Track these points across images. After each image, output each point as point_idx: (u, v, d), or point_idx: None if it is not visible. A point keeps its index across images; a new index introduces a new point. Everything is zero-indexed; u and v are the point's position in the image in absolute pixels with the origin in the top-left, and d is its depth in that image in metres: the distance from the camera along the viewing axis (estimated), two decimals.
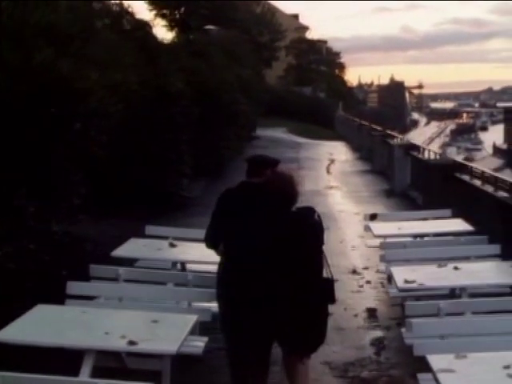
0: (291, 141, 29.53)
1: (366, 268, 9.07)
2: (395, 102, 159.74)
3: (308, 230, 4.44)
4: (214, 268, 5.28)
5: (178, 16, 41.85)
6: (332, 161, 22.35)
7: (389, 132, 18.18)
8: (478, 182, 9.02)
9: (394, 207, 13.63)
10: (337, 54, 63.78)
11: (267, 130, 30.92)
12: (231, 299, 4.42)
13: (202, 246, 6.85)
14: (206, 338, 5.09)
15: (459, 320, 4.88)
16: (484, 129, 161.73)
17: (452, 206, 9.32)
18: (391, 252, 6.90)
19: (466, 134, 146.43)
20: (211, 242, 4.80)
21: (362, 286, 8.41)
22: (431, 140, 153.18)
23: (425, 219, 8.53)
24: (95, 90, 6.33)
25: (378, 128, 20.55)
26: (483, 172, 8.77)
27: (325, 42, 60.94)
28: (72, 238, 8.52)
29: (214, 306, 5.32)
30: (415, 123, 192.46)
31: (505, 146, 78.53)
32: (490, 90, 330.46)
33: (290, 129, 33.60)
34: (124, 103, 7.46)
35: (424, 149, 13.33)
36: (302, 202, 4.61)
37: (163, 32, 42.43)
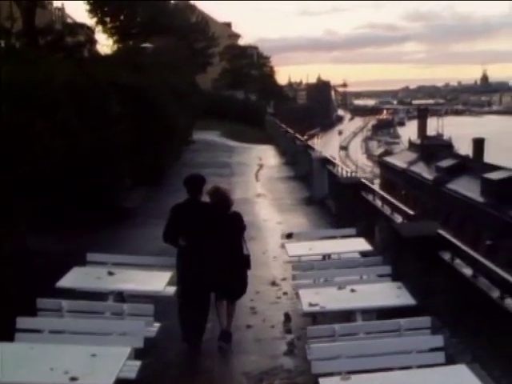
0: (224, 144, 29.96)
1: (284, 279, 9.49)
2: (322, 100, 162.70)
3: (237, 226, 7.18)
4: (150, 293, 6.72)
5: (117, 23, 41.53)
6: (261, 166, 22.86)
7: (309, 144, 18.83)
8: (379, 203, 9.70)
9: (313, 215, 14.31)
10: (267, 58, 64.63)
11: (203, 133, 31.19)
12: (187, 269, 6.84)
13: (140, 272, 7.34)
14: (139, 363, 5.52)
15: (351, 343, 5.49)
16: (402, 124, 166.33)
17: (359, 222, 10.08)
18: (301, 274, 7.52)
19: (385, 128, 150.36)
20: (169, 240, 7.08)
21: (279, 298, 8.91)
22: (355, 134, 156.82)
23: (333, 237, 9.20)
24: (40, 136, 6.60)
25: (301, 138, 21.17)
26: (383, 196, 9.44)
27: (255, 47, 61.70)
28: (19, 253, 8.70)
29: (147, 332, 5.84)
30: (340, 119, 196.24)
31: (419, 141, 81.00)
32: (406, 89, 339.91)
33: (224, 132, 33.94)
34: (66, 141, 7.75)
35: (337, 165, 14.03)
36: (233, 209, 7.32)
37: (104, 38, 42.25)
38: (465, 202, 54.06)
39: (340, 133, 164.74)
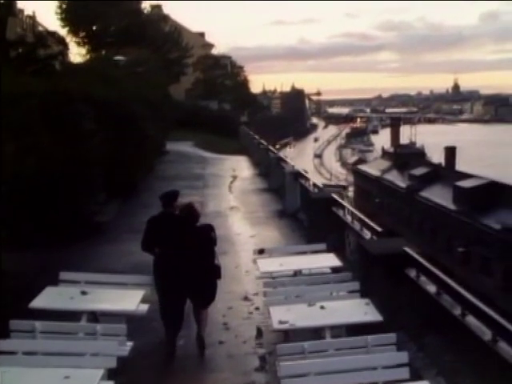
0: (198, 155, 30.04)
1: (256, 294, 9.62)
2: (296, 108, 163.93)
3: (207, 236, 7.68)
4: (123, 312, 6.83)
5: (90, 33, 41.46)
6: (234, 178, 23.00)
7: (282, 157, 19.05)
8: (349, 218, 9.94)
9: (285, 229, 14.49)
10: (240, 68, 65.03)
11: (176, 143, 31.22)
12: (163, 277, 7.47)
13: (113, 291, 7.44)
14: (111, 383, 5.64)
15: (319, 360, 5.68)
16: (375, 132, 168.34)
17: (330, 237, 10.31)
18: (272, 291, 7.70)
19: (359, 136, 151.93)
20: (146, 249, 7.81)
21: (251, 313, 9.05)
22: (329, 142, 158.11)
23: (304, 253, 9.41)
24: (11, 157, 6.69)
25: (274, 150, 21.39)
26: (353, 212, 9.68)
27: (229, 57, 62.04)
28: None
29: (120, 351, 5.95)
30: (315, 127, 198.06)
31: (392, 150, 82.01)
32: (380, 97, 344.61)
33: (197, 142, 34.02)
34: (38, 160, 7.82)
35: (309, 179, 14.26)
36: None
37: (76, 47, 42.12)
38: (437, 209, 54.94)
39: (316, 139, 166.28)
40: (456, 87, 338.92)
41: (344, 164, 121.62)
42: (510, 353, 4.75)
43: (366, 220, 8.76)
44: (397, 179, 68.35)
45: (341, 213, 10.39)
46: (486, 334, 5.09)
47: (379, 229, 8.16)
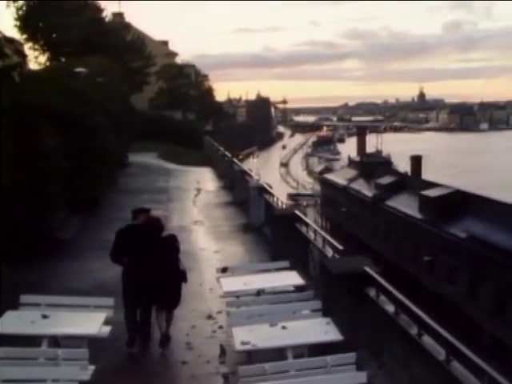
0: (161, 167, 30.07)
1: (220, 312, 9.72)
2: (262, 116, 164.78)
3: (171, 246, 8.50)
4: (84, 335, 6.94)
5: (50, 41, 41.09)
6: (199, 190, 23.11)
7: (246, 170, 19.25)
8: (312, 235, 10.18)
9: (250, 243, 14.69)
10: (205, 76, 65.27)
11: (139, 155, 31.20)
12: (132, 285, 8.18)
13: (75, 314, 7.50)
14: None
15: (280, 382, 5.87)
16: (341, 141, 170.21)
17: (293, 253, 10.54)
18: (235, 311, 7.87)
19: (325, 145, 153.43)
20: (115, 259, 8.46)
21: (215, 332, 9.17)
22: (295, 151, 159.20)
23: (268, 270, 9.61)
24: None
25: (238, 164, 21.57)
26: (315, 230, 9.92)
27: (193, 65, 62.14)
28: None
29: (82, 376, 6.04)
30: (281, 135, 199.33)
31: (358, 159, 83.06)
32: (346, 106, 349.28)
33: (161, 153, 34.03)
34: None
35: (273, 194, 14.48)
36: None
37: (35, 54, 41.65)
38: (403, 218, 55.84)
39: (284, 147, 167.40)
40: (422, 96, 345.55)
41: (311, 173, 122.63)
42: (463, 372, 5.02)
43: (328, 237, 9.00)
44: (363, 188, 69.25)
45: (304, 229, 10.62)
46: (441, 353, 5.35)
47: (341, 247, 8.41)
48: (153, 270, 8.18)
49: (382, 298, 6.72)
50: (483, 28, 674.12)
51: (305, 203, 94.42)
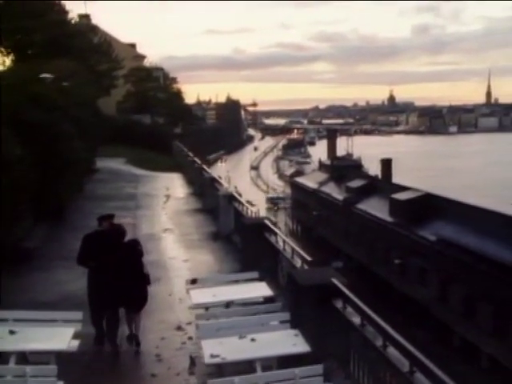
0: (130, 173, 30.01)
1: (189, 323, 9.78)
2: (232, 119, 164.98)
3: (134, 250, 9.08)
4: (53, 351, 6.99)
5: (13, 43, 40.61)
6: (168, 197, 23.15)
7: (216, 178, 19.35)
8: (281, 245, 10.35)
9: (219, 252, 14.83)
10: (174, 79, 65.18)
11: (107, 160, 31.10)
12: (96, 287, 8.75)
13: (43, 329, 7.54)
14: None
15: None
16: (312, 143, 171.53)
17: (263, 263, 10.70)
18: (204, 324, 7.99)
19: (296, 148, 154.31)
20: (81, 263, 9.07)
21: (184, 343, 9.27)
22: (265, 154, 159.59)
23: (237, 281, 9.77)
24: None
25: (208, 171, 21.65)
26: (284, 240, 10.10)
27: (161, 68, 62.03)
28: None
29: None
30: (251, 138, 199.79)
31: (329, 162, 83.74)
32: (316, 108, 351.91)
33: (130, 159, 33.95)
34: None
35: (243, 203, 14.63)
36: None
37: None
38: (374, 222, 56.54)
39: (256, 148, 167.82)
40: (392, 99, 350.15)
41: (281, 176, 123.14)
42: (425, 383, 5.23)
43: (297, 248, 9.19)
44: (334, 192, 69.91)
45: (273, 239, 10.78)
46: (405, 365, 5.56)
47: (309, 258, 8.59)
48: (117, 274, 8.74)
49: (349, 309, 6.91)
50: (451, 31, 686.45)
51: (275, 207, 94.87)
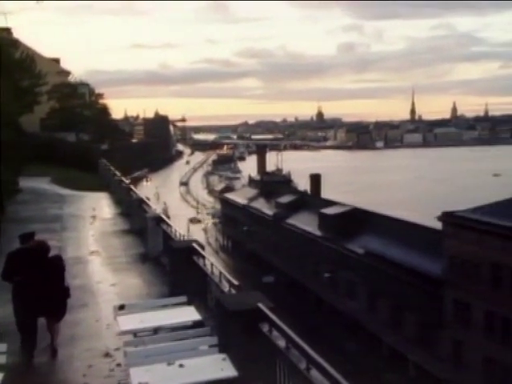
0: (55, 193, 29.42)
1: (117, 349, 9.66)
2: (161, 135, 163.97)
3: (57, 265, 9.77)
4: None
5: None
6: (94, 218, 22.87)
7: (144, 199, 19.28)
8: (209, 269, 10.48)
9: (148, 274, 14.77)
10: (100, 95, 64.36)
11: (31, 180, 30.41)
12: (21, 300, 9.32)
13: None
14: None
15: None
16: (242, 159, 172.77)
17: (191, 287, 10.80)
18: (132, 351, 8.04)
19: (226, 163, 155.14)
20: (7, 279, 9.46)
21: (112, 370, 9.15)
22: (195, 170, 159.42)
23: (165, 306, 9.85)
24: None
25: (136, 191, 21.55)
26: (212, 264, 10.24)
27: (87, 84, 61.18)
28: None
29: None
30: (180, 154, 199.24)
31: (258, 177, 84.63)
32: (246, 124, 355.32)
33: (54, 178, 33.28)
34: None
35: (171, 225, 14.67)
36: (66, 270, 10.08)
37: None
38: (304, 236, 57.53)
39: (188, 162, 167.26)
40: (320, 115, 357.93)
41: (211, 192, 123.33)
42: None
43: (224, 272, 9.36)
44: (264, 207, 70.73)
45: (201, 262, 10.90)
46: None
47: (236, 282, 8.78)
48: (41, 287, 9.38)
49: (275, 333, 7.13)
50: (375, 50, 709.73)
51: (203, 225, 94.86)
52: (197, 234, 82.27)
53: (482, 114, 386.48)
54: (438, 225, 38.46)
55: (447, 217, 37.57)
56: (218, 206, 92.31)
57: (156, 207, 18.70)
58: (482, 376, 34.44)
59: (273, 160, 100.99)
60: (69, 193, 29.82)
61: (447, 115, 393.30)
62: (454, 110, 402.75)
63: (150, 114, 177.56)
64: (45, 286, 9.45)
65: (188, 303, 9.87)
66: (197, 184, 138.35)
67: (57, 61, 59.43)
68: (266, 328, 7.34)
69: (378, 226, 49.74)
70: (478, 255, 34.50)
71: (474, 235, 34.96)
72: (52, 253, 10.10)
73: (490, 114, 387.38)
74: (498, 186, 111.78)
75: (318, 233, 56.14)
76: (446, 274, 37.08)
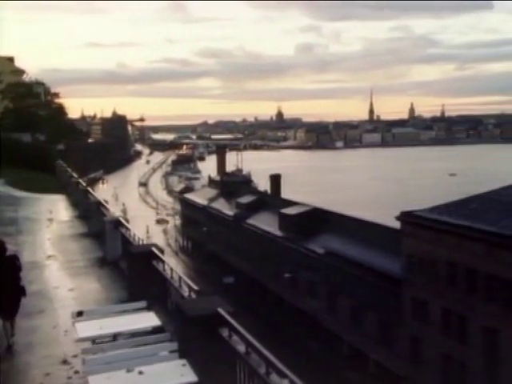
0: (9, 195, 28.87)
1: (75, 356, 9.55)
2: (119, 134, 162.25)
3: (14, 264, 10.16)
4: None
5: None
6: (51, 221, 22.54)
7: (102, 201, 19.07)
8: (169, 274, 10.46)
9: (106, 279, 14.64)
10: (56, 94, 63.34)
11: None
12: None
13: None
14: None
15: None
16: (202, 159, 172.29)
17: (151, 292, 10.76)
18: (91, 358, 7.97)
19: (185, 163, 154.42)
20: None
21: (70, 378, 9.03)
22: (154, 170, 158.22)
23: (125, 311, 9.79)
24: None
25: (94, 195, 21.29)
26: (172, 269, 10.23)
27: (42, 83, 60.07)
28: None
29: None
30: (139, 154, 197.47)
31: (218, 178, 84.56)
32: (205, 124, 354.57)
33: (9, 179, 32.66)
34: None
35: (130, 229, 14.54)
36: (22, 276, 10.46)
37: None
38: (264, 236, 57.72)
39: (148, 162, 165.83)
40: (280, 115, 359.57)
41: (171, 192, 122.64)
42: None
43: (184, 277, 9.36)
44: (224, 207, 70.72)
45: (161, 267, 10.87)
46: None
47: (196, 287, 8.80)
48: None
49: (235, 337, 7.18)
50: (333, 51, 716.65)
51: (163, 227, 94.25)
52: (157, 235, 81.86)
53: (438, 114, 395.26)
54: (397, 224, 39.04)
55: (406, 216, 38.18)
56: (178, 207, 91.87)
57: (114, 209, 18.51)
58: (439, 372, 35.16)
59: (233, 160, 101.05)
60: (24, 195, 29.30)
61: (405, 115, 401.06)
62: (412, 110, 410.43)
63: (108, 114, 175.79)
64: (2, 284, 9.79)
65: (148, 308, 9.84)
66: (156, 184, 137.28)
67: (11, 59, 58.11)
68: (225, 333, 7.38)
69: (338, 226, 50.26)
70: (435, 254, 35.18)
71: (431, 234, 35.63)
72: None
73: (447, 114, 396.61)
74: (454, 185, 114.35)
75: (278, 233, 56.41)
76: (405, 273, 37.69)
